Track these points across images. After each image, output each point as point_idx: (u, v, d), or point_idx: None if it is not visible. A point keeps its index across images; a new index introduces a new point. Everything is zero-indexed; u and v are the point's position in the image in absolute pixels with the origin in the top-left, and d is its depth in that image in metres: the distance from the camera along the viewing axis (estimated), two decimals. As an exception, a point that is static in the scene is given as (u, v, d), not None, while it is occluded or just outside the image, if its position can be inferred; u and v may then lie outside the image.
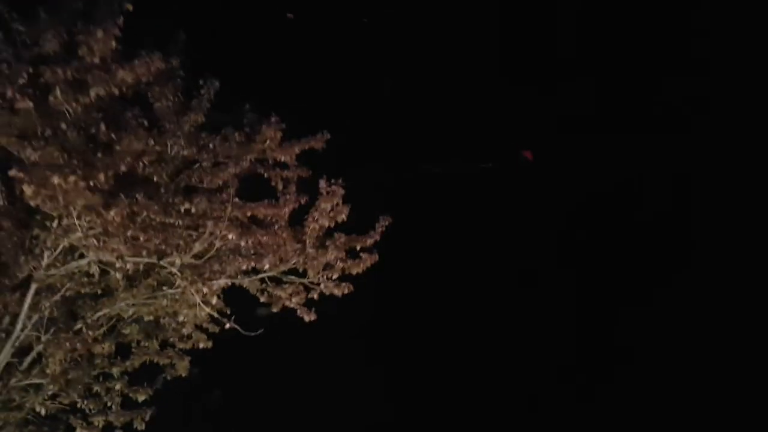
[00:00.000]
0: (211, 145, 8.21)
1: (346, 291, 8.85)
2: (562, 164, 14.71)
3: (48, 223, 7.56)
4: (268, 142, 8.34)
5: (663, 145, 14.63)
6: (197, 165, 8.23)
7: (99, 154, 7.28)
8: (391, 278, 9.82)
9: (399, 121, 12.66)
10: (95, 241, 7.41)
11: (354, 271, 8.79)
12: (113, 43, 7.02)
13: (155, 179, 7.94)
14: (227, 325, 8.60)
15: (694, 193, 14.94)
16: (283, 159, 8.50)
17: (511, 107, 13.95)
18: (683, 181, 14.95)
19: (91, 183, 7.11)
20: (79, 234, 7.35)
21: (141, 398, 8.80)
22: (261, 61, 10.42)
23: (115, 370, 8.70)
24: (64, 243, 7.63)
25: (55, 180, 6.87)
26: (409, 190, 12.78)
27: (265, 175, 8.56)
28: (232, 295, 8.87)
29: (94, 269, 8.01)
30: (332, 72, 11.55)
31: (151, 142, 7.77)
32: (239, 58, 9.75)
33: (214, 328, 8.88)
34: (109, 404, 8.71)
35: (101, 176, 7.13)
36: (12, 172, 6.97)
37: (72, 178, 6.89)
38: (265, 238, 8.38)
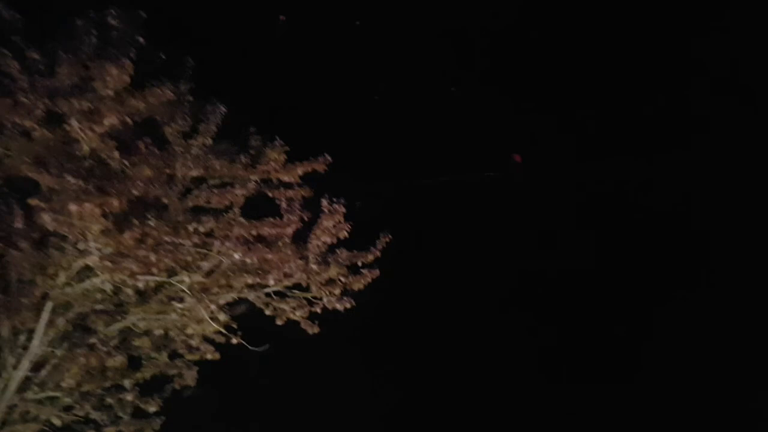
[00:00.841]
0: (218, 167, 8.54)
1: (348, 305, 9.19)
2: (557, 169, 14.83)
3: (64, 245, 7.90)
4: (272, 163, 8.68)
5: (659, 146, 14.77)
6: (204, 186, 8.57)
7: (113, 181, 7.59)
8: (390, 287, 10.05)
9: (392, 132, 12.80)
10: (110, 264, 7.74)
11: (355, 287, 9.14)
12: (126, 78, 7.34)
13: (165, 200, 8.29)
14: (234, 341, 8.91)
15: (693, 196, 15.02)
16: (286, 179, 8.83)
17: (503, 113, 14.06)
18: (682, 184, 15.05)
19: (106, 209, 7.43)
20: (94, 257, 7.68)
21: (151, 409, 9.13)
22: (263, 81, 10.72)
23: (127, 382, 9.03)
24: (80, 264, 7.96)
25: (73, 207, 7.21)
26: (406, 201, 12.94)
27: (270, 194, 8.90)
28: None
29: (108, 286, 8.37)
30: (327, 85, 11.72)
31: (161, 164, 8.14)
32: (244, 82, 10.03)
33: (220, 339, 9.21)
34: (120, 415, 9.06)
35: (116, 202, 7.46)
36: (32, 201, 7.32)
37: (88, 206, 7.23)
38: (269, 255, 8.72)
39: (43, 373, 8.49)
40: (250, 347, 8.91)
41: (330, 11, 11.89)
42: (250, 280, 8.89)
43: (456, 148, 13.75)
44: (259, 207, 8.83)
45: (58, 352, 8.41)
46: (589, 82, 14.27)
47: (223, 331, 8.87)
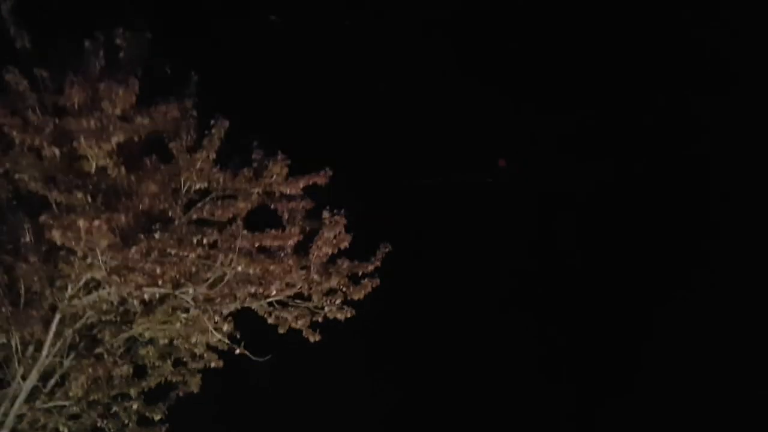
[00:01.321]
0: (221, 180, 8.73)
1: (348, 315, 9.37)
2: (552, 170, 14.90)
3: (72, 258, 8.08)
4: (274, 176, 8.87)
5: (657, 147, 14.89)
6: (209, 198, 8.75)
7: (120, 196, 7.78)
8: (387, 289, 10.18)
9: (386, 136, 12.89)
10: (117, 277, 7.93)
11: (356, 297, 9.32)
12: (133, 97, 7.52)
13: (170, 214, 8.48)
14: (237, 351, 9.08)
15: (690, 197, 15.11)
16: (288, 192, 9.01)
17: (495, 116, 14.14)
18: (679, 185, 15.14)
19: (114, 224, 7.62)
20: (102, 271, 7.86)
21: (157, 417, 9.33)
22: (261, 90, 10.90)
23: (132, 391, 9.22)
24: (87, 277, 8.14)
25: (81, 224, 7.40)
26: (402, 204, 13.02)
27: (272, 206, 9.08)
28: (241, 317, 9.41)
29: (114, 298, 8.56)
30: (315, 92, 11.80)
31: (167, 179, 8.34)
32: (247, 96, 10.20)
33: (223, 345, 9.37)
34: (126, 422, 9.25)
35: (123, 218, 7.65)
36: (42, 218, 7.50)
37: (96, 222, 7.42)
38: (272, 266, 8.90)
39: (51, 382, 8.68)
40: (252, 357, 9.06)
41: (321, 13, 12.02)
42: (252, 290, 9.06)
43: (447, 151, 13.87)
44: (261, 219, 9.02)
45: (66, 362, 8.59)
46: (582, 84, 14.39)
47: (227, 341, 9.03)
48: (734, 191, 14.84)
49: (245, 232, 8.70)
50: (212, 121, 8.65)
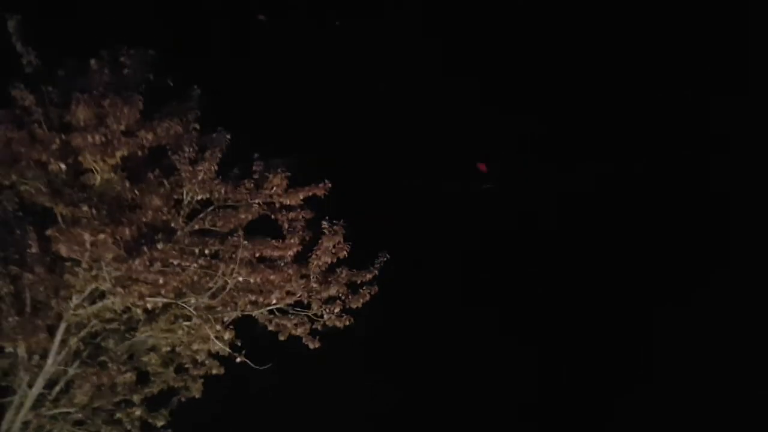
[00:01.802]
0: (223, 192, 8.90)
1: (347, 323, 9.55)
2: (542, 175, 14.97)
3: (77, 269, 8.25)
4: (275, 188, 9.05)
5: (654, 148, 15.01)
6: (210, 209, 8.93)
7: (125, 210, 7.96)
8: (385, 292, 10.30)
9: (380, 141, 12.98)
10: (121, 288, 8.11)
11: (355, 305, 9.50)
12: (137, 114, 7.70)
13: (172, 225, 8.66)
14: (238, 359, 9.26)
15: (684, 198, 15.17)
16: (288, 203, 9.19)
17: (489, 123, 14.22)
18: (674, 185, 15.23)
19: (118, 237, 7.80)
20: (107, 283, 8.04)
21: (159, 423, 9.50)
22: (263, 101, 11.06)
23: (136, 397, 9.38)
24: (92, 287, 8.32)
25: (87, 237, 7.57)
26: (397, 213, 13.12)
27: (272, 217, 9.26)
28: (242, 324, 9.58)
29: (118, 307, 8.74)
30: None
31: (170, 191, 8.52)
32: (247, 108, 10.36)
33: (224, 351, 9.53)
34: (130, 428, 9.42)
35: (127, 231, 7.82)
36: (49, 232, 7.68)
37: (102, 236, 7.60)
38: (272, 276, 9.08)
39: (56, 390, 8.86)
40: (253, 365, 9.23)
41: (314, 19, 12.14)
42: (253, 298, 9.25)
43: (445, 158, 13.96)
44: (262, 229, 9.19)
45: (71, 370, 8.77)
46: (580, 84, 14.48)
47: (228, 349, 9.20)
48: (734, 191, 14.95)
49: (246, 242, 8.88)
50: (214, 134, 8.86)
